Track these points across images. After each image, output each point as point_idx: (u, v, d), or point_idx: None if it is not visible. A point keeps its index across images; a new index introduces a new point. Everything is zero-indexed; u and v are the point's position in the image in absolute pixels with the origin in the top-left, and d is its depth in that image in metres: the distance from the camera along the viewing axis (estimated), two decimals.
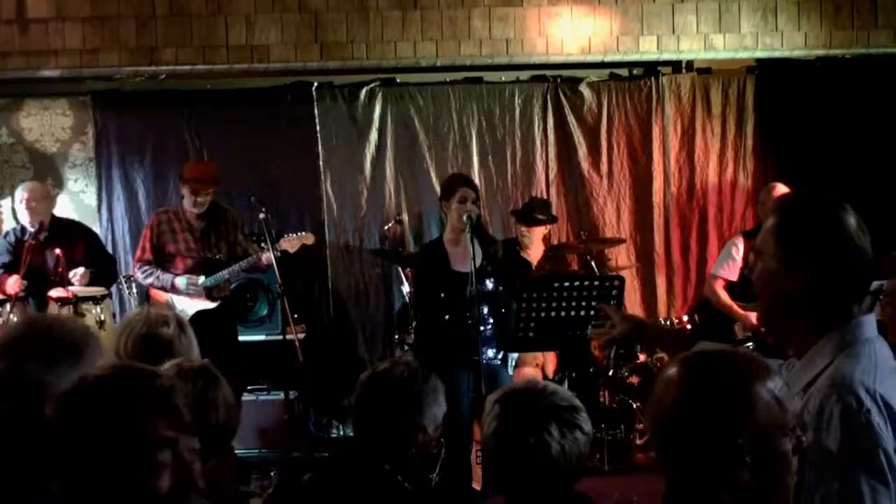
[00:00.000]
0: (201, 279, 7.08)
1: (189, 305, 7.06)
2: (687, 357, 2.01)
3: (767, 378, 1.93)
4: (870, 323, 2.36)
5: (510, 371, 6.46)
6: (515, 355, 6.96)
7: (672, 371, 1.98)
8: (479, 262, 6.06)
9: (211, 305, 7.12)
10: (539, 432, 2.54)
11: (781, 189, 7.01)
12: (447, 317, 6.12)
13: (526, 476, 2.57)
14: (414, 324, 7.05)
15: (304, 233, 7.35)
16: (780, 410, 1.91)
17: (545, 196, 8.52)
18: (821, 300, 2.33)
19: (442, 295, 6.15)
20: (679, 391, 1.93)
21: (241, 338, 7.58)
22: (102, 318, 7.06)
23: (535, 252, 7.72)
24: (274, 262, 6.94)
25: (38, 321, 2.82)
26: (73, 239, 7.33)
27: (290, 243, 7.12)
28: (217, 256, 7.13)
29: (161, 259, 7.16)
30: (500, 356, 6.32)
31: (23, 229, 7.25)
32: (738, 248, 7.15)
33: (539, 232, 7.73)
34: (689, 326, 7.58)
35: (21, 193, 7.27)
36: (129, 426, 1.95)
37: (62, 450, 1.98)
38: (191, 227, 7.16)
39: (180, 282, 7.07)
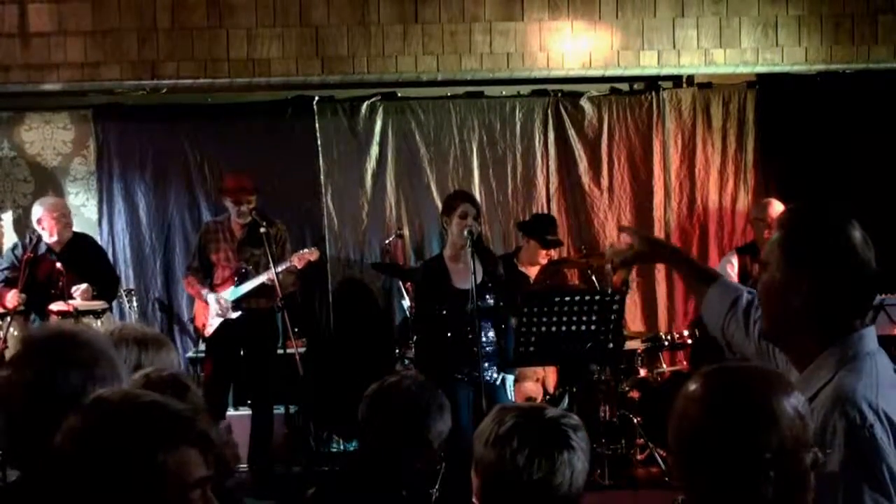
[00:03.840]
0: (228, 291, 7.31)
1: (216, 316, 7.38)
2: (708, 373, 2.01)
3: (790, 393, 1.94)
4: (871, 336, 2.37)
5: (509, 393, 6.42)
6: (512, 376, 6.92)
7: (695, 387, 1.98)
8: (479, 278, 6.06)
9: (233, 315, 7.31)
10: (567, 454, 2.40)
11: (775, 204, 7.02)
12: (448, 334, 6.11)
13: (540, 501, 2.43)
14: (414, 339, 7.04)
15: (311, 248, 7.41)
16: (803, 426, 1.92)
17: (546, 209, 8.53)
18: (824, 312, 2.34)
19: (443, 312, 6.14)
20: (704, 407, 1.94)
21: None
22: (102, 332, 7.06)
23: (531, 266, 7.70)
24: (275, 277, 6.97)
25: (64, 327, 2.63)
26: (88, 254, 7.47)
27: (300, 258, 7.23)
28: (250, 269, 7.32)
29: (207, 267, 7.46)
30: (498, 379, 6.29)
31: (30, 241, 7.28)
32: (733, 265, 7.16)
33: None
34: (689, 341, 7.57)
35: (48, 210, 7.28)
36: (165, 468, 1.83)
37: (78, 488, 1.83)
38: (233, 237, 7.42)
39: (208, 296, 7.38)
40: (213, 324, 7.38)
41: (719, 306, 2.83)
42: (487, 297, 6.17)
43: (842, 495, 2.14)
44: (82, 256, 7.36)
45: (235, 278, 7.32)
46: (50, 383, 2.25)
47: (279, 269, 7.06)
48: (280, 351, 7.41)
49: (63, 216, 7.33)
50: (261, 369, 7.37)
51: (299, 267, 7.26)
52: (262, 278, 7.18)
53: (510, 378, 6.45)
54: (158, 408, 1.92)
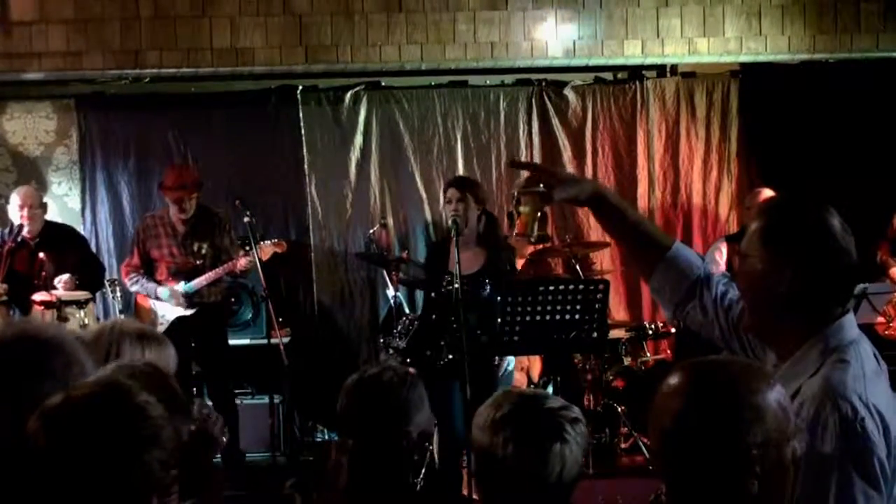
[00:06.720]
0: (181, 286, 7.11)
1: (170, 312, 7.15)
2: (689, 366, 1.98)
3: (772, 386, 1.93)
4: (851, 324, 2.37)
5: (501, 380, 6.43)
6: (512, 366, 6.92)
7: (676, 382, 1.95)
8: (479, 266, 6.06)
9: (189, 312, 7.14)
10: (559, 446, 2.45)
11: (767, 194, 7.03)
12: (433, 316, 6.11)
13: (529, 489, 2.48)
14: (399, 326, 7.03)
15: (275, 240, 7.33)
16: (785, 418, 1.91)
17: None
18: (804, 302, 2.34)
19: (432, 294, 6.13)
20: (687, 402, 1.91)
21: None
22: (86, 321, 7.04)
23: (518, 259, 7.69)
24: (258, 266, 6.92)
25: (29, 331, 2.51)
26: (66, 244, 7.32)
27: (264, 251, 7.12)
28: (199, 262, 7.13)
29: (149, 264, 7.21)
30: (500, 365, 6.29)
31: (10, 231, 7.20)
32: (722, 252, 7.17)
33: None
34: (673, 331, 7.59)
35: (20, 199, 7.20)
36: (124, 468, 1.88)
37: (46, 475, 1.89)
38: (175, 231, 7.19)
39: (162, 292, 7.13)
40: (163, 323, 7.13)
41: (671, 291, 2.72)
42: (486, 286, 6.14)
43: (834, 489, 2.15)
44: (60, 247, 7.27)
45: (184, 276, 7.11)
46: (17, 392, 2.20)
47: (221, 268, 7.01)
48: (264, 341, 7.39)
49: (25, 206, 7.16)
50: (214, 362, 7.27)
51: (264, 259, 7.07)
52: (226, 268, 7.09)
53: (511, 365, 6.45)
54: (137, 409, 1.94)
